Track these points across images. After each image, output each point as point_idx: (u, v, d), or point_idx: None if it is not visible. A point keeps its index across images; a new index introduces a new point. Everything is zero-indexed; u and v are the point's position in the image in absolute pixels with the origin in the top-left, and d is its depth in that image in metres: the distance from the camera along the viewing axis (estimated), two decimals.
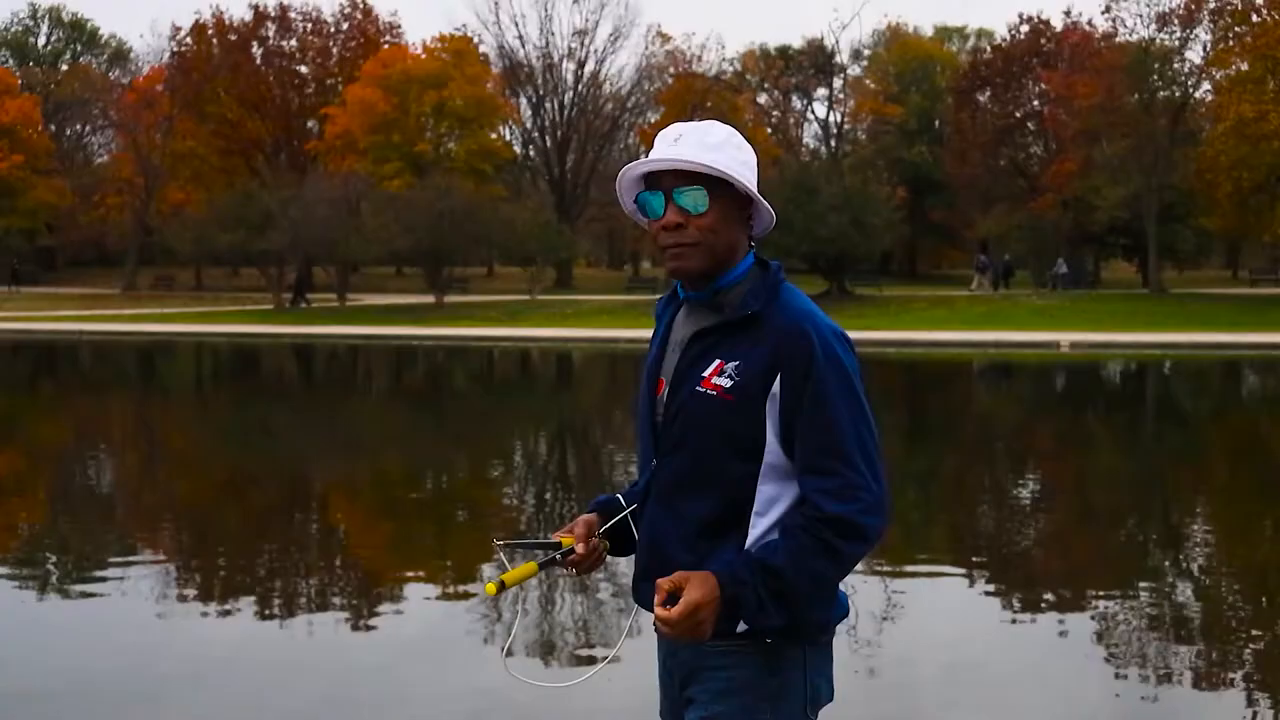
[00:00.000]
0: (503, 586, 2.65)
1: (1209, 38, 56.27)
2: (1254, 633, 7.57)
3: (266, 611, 8.04)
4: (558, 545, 2.81)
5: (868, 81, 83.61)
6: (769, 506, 2.72)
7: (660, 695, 2.95)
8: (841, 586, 2.83)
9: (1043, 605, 8.36)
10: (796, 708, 2.74)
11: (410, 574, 9.36)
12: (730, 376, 2.68)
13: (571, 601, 8.42)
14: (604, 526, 2.90)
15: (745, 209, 2.79)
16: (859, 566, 8.94)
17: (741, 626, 2.67)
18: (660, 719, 2.98)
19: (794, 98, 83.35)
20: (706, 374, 2.71)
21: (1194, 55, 57.34)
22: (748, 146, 2.81)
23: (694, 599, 2.56)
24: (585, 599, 8.46)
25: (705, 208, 2.71)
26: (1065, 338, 38.70)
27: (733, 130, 2.80)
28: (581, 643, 7.49)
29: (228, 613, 8.00)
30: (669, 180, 2.72)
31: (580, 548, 2.82)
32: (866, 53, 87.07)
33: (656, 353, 2.91)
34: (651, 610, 2.82)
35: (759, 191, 2.78)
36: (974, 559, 10.00)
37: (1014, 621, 7.96)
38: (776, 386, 2.66)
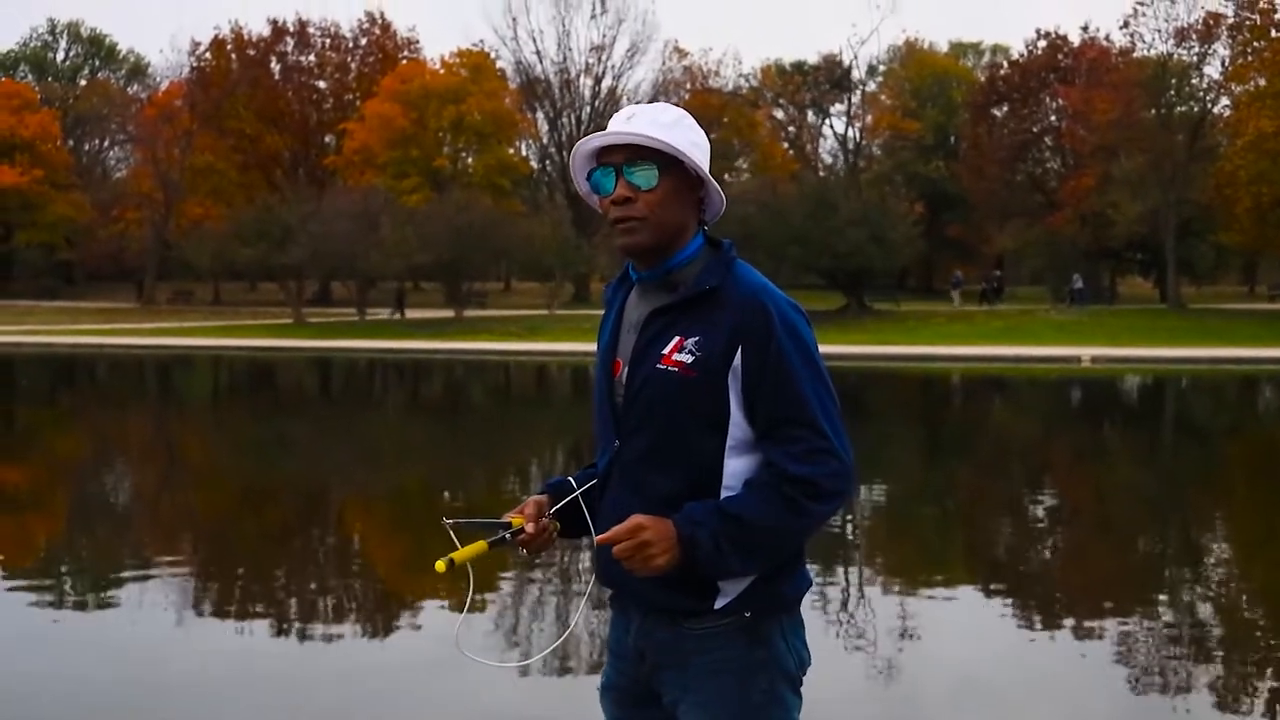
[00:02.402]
0: (452, 564, 2.65)
1: (1227, 53, 56.31)
2: (1274, 653, 7.52)
3: (277, 626, 8.02)
4: (508, 525, 2.81)
5: (883, 97, 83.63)
6: (738, 480, 2.72)
7: (610, 668, 2.96)
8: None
9: (1062, 623, 8.30)
10: (787, 671, 2.78)
11: (420, 588, 9.27)
12: (691, 352, 2.69)
13: (539, 585, 8.62)
14: (554, 507, 2.89)
15: (696, 190, 2.81)
16: (891, 582, 8.95)
17: (720, 601, 2.72)
18: (603, 691, 2.99)
19: (810, 113, 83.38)
20: (666, 351, 2.72)
21: (1212, 70, 57.46)
22: (700, 130, 2.83)
23: (639, 521, 2.61)
24: (557, 581, 8.68)
25: (655, 184, 2.73)
26: (1086, 353, 38.63)
27: (685, 113, 2.83)
28: (550, 628, 7.74)
29: (238, 627, 7.98)
30: (620, 156, 2.75)
31: (530, 527, 2.81)
32: (882, 68, 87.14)
33: (609, 337, 2.92)
34: (614, 587, 2.89)
35: (712, 179, 2.81)
36: (1009, 576, 9.97)
37: (1031, 639, 7.91)
38: (738, 360, 2.67)
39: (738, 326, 2.67)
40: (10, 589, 9.00)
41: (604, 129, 2.78)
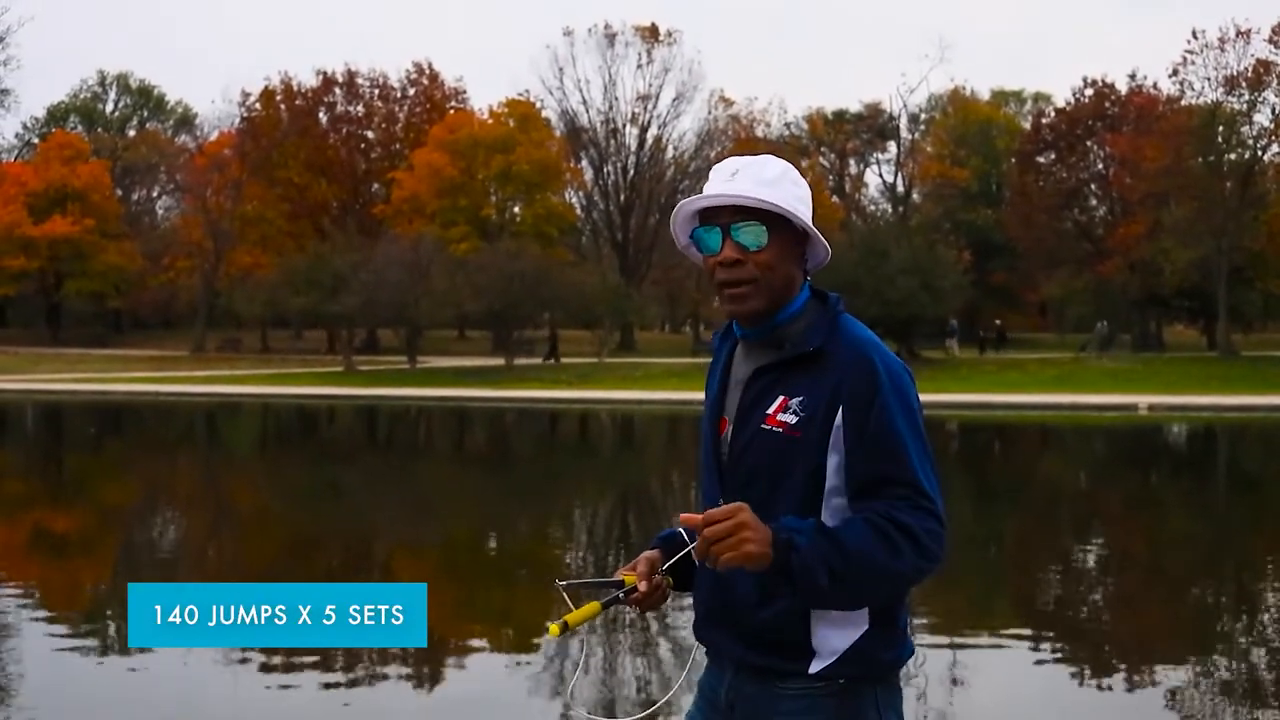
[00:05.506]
0: (566, 628, 2.60)
1: (1278, 101, 56.15)
2: None
3: (327, 673, 7.94)
4: (620, 584, 2.76)
5: (927, 146, 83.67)
6: None
7: (695, 709, 2.89)
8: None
9: (1122, 676, 8.24)
10: None
11: (478, 635, 9.30)
12: (795, 412, 2.66)
13: (639, 645, 8.53)
14: (666, 563, 2.82)
15: (801, 244, 2.77)
16: (995, 630, 8.91)
17: (816, 665, 2.66)
18: None
19: (852, 161, 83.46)
20: (771, 411, 2.69)
21: (1263, 118, 57.16)
22: (803, 181, 2.78)
23: (740, 508, 2.49)
24: (652, 642, 8.62)
25: (764, 244, 2.69)
26: (1143, 400, 38.41)
27: (789, 165, 2.78)
28: (648, 688, 7.61)
29: (287, 675, 7.91)
30: (726, 216, 2.70)
31: (643, 585, 2.75)
32: (924, 117, 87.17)
33: (717, 391, 2.87)
34: (709, 644, 2.83)
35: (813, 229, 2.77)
36: (1125, 628, 9.91)
37: (1082, 686, 7.86)
38: (839, 418, 2.63)
39: (843, 385, 2.63)
40: (63, 635, 9.16)
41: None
